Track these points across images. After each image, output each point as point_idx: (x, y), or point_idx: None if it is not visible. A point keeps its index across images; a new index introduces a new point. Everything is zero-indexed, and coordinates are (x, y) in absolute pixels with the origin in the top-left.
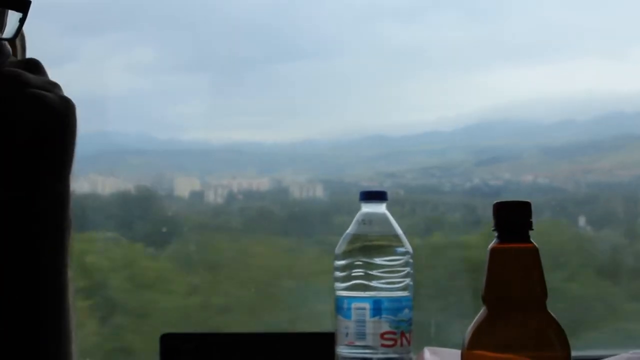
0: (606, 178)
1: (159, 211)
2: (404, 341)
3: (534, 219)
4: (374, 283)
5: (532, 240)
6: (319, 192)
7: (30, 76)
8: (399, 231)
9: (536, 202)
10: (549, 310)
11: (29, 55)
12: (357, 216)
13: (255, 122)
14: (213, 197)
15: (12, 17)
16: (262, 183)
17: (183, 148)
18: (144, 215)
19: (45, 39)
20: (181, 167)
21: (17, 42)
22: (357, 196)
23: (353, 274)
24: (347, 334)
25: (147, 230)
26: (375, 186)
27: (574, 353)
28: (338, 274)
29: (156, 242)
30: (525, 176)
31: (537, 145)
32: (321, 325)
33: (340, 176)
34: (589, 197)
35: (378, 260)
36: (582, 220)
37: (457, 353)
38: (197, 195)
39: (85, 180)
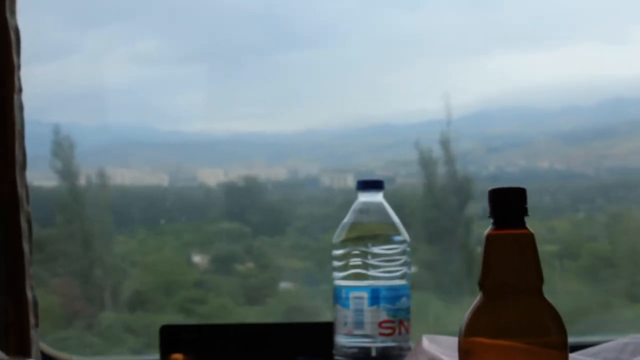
0: (624, 163)
1: (262, 201)
2: (402, 329)
3: (585, 205)
4: (371, 272)
5: (528, 227)
6: (350, 181)
7: None
8: (396, 220)
9: (578, 188)
10: (545, 296)
11: (29, 47)
12: (354, 205)
13: (257, 112)
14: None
15: None
16: (280, 173)
17: (186, 140)
18: (250, 206)
19: (48, 31)
20: (188, 158)
21: (12, 35)
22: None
23: (351, 263)
24: (345, 323)
25: (258, 220)
26: (374, 175)
27: (570, 339)
28: (336, 263)
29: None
30: (540, 162)
31: (545, 132)
32: None
33: (353, 166)
34: (635, 182)
35: (375, 249)
36: None
37: (454, 340)
38: (229, 187)
39: (102, 173)
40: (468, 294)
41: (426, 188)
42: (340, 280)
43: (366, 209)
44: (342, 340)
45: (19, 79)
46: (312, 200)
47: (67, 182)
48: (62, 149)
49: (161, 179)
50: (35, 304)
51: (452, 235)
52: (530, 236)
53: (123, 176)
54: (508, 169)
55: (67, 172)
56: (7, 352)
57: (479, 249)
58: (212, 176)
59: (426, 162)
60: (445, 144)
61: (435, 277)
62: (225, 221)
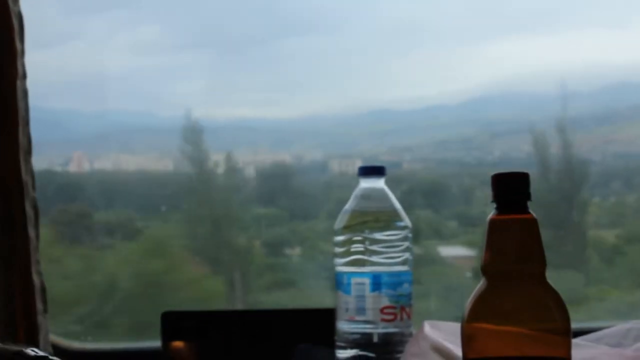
0: (630, 148)
1: (288, 186)
2: (404, 315)
3: (601, 190)
4: (373, 258)
5: (531, 211)
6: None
7: None
8: (398, 206)
9: (599, 173)
10: (549, 282)
11: (32, 34)
12: (356, 191)
13: (257, 99)
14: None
15: None
16: (284, 159)
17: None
18: (283, 191)
19: (50, 18)
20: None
21: (15, 21)
22: None
23: (352, 249)
24: (347, 309)
25: (290, 205)
26: (379, 161)
27: (573, 324)
28: (337, 249)
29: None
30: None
31: (548, 117)
32: None
33: (357, 151)
34: None
35: (377, 235)
36: None
37: (457, 326)
38: (235, 171)
39: (108, 158)
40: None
41: (540, 172)
42: (341, 266)
43: (368, 195)
44: (343, 326)
45: (22, 65)
46: (330, 185)
47: (197, 167)
48: (193, 134)
49: (166, 165)
50: (44, 289)
51: (568, 218)
52: (534, 221)
53: (128, 162)
54: (513, 155)
55: (197, 157)
56: (15, 338)
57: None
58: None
59: (540, 146)
60: (561, 128)
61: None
62: (253, 206)
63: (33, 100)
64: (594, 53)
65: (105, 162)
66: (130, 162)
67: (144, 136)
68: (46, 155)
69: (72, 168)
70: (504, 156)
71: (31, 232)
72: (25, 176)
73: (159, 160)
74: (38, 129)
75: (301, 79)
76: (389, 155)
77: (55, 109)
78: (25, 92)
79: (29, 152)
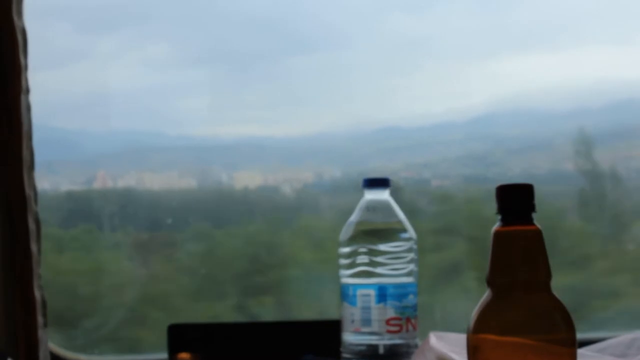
0: None
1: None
2: (410, 327)
3: None
4: (378, 269)
5: (536, 223)
6: None
7: None
8: (403, 217)
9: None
10: (554, 292)
11: (38, 52)
12: (361, 203)
13: (266, 116)
14: (289, 191)
15: None
16: (307, 176)
17: (197, 144)
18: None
19: (59, 37)
20: (204, 162)
21: (19, 36)
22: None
23: (358, 261)
24: (353, 321)
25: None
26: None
27: (577, 334)
28: (343, 261)
29: None
30: (565, 164)
31: (560, 134)
32: None
33: (373, 168)
34: None
35: (382, 247)
36: None
37: (462, 337)
38: (270, 190)
39: (133, 177)
40: None
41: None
42: (347, 278)
43: (373, 206)
44: (349, 337)
45: (26, 80)
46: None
47: (591, 180)
48: (584, 145)
49: (189, 183)
50: (44, 303)
51: None
52: (538, 232)
53: (152, 180)
54: (534, 171)
55: (589, 170)
56: (16, 352)
57: None
58: (249, 179)
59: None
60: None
61: None
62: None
63: (44, 120)
64: (602, 69)
65: (129, 181)
66: (154, 180)
67: (155, 154)
68: (65, 175)
69: (97, 187)
70: (525, 172)
71: (33, 246)
72: (28, 190)
73: (181, 178)
74: (52, 149)
75: (308, 96)
76: (406, 172)
77: (66, 129)
78: (28, 107)
79: (31, 166)
